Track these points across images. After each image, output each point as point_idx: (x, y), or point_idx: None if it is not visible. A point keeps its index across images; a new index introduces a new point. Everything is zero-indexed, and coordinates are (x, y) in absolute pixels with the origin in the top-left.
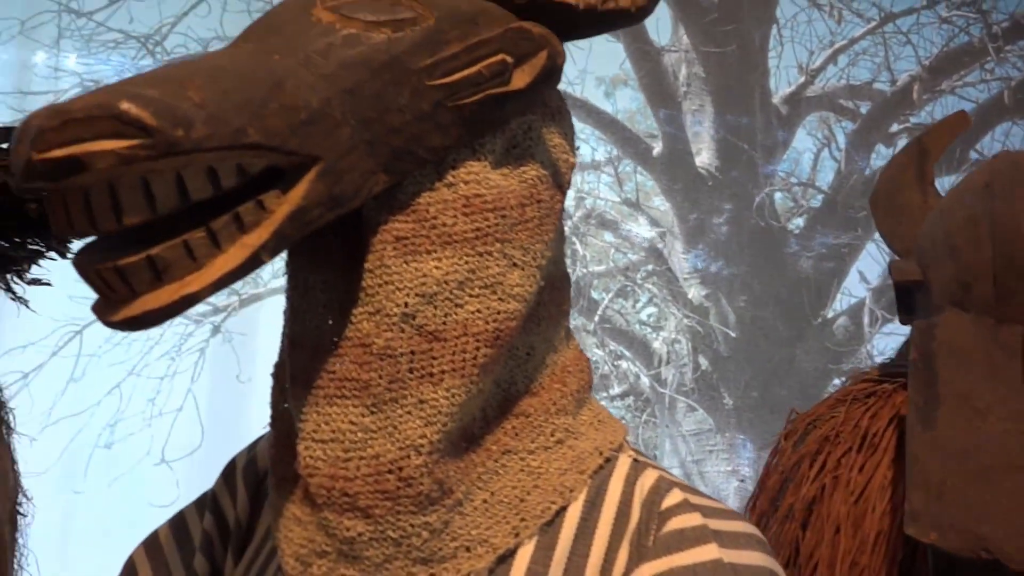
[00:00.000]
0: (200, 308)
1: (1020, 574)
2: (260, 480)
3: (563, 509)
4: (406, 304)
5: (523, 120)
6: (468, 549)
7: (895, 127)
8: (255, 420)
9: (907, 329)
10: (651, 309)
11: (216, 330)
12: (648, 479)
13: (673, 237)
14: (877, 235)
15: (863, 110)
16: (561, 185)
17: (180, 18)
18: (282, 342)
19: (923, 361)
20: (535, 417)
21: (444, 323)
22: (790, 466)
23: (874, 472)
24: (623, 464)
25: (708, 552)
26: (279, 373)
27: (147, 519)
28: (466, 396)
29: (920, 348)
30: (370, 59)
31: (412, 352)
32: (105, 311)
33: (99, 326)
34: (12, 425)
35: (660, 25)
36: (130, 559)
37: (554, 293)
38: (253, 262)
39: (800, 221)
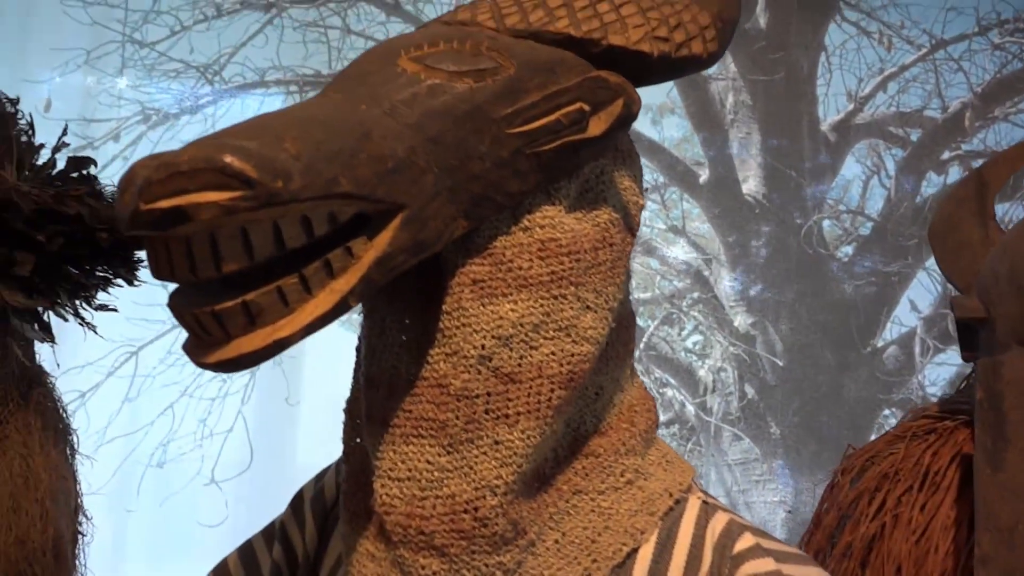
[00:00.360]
0: None
1: None
2: (328, 512)
3: (634, 551)
4: (483, 346)
5: (596, 164)
6: None
7: (946, 154)
8: (303, 442)
9: (958, 359)
10: (697, 337)
11: None
12: (719, 522)
13: (719, 264)
14: (928, 263)
15: (913, 137)
16: (631, 227)
17: (238, 48)
18: (356, 379)
19: (989, 401)
20: (604, 457)
21: (519, 365)
22: (848, 503)
23: (936, 511)
24: (693, 506)
25: None
26: (351, 409)
27: (197, 538)
28: (540, 438)
29: (986, 387)
30: (453, 108)
31: (488, 393)
32: (198, 352)
33: (154, 347)
34: (76, 446)
35: None
36: None
37: (622, 332)
38: (341, 307)
39: (849, 249)
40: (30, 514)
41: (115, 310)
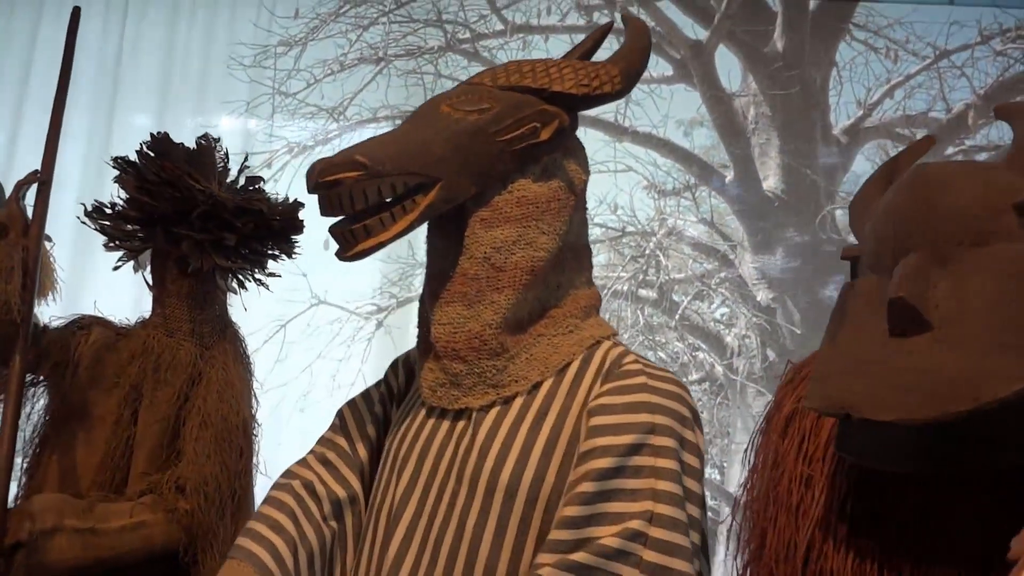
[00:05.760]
0: (368, 308)
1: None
2: (411, 364)
3: (569, 364)
4: (485, 253)
5: (552, 156)
6: (516, 381)
7: (950, 149)
8: None
9: None
10: (724, 309)
11: (379, 325)
12: (618, 349)
13: (743, 249)
14: None
15: (919, 136)
16: (574, 190)
17: (356, 93)
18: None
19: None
20: (558, 318)
21: (505, 262)
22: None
23: None
24: (606, 344)
25: (639, 378)
26: (423, 303)
27: None
28: (516, 300)
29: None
30: (468, 129)
31: (487, 277)
32: (342, 253)
33: (297, 321)
34: (251, 369)
35: (732, 74)
36: (339, 410)
37: (575, 253)
38: (411, 227)
39: None
40: (229, 403)
41: (279, 276)
